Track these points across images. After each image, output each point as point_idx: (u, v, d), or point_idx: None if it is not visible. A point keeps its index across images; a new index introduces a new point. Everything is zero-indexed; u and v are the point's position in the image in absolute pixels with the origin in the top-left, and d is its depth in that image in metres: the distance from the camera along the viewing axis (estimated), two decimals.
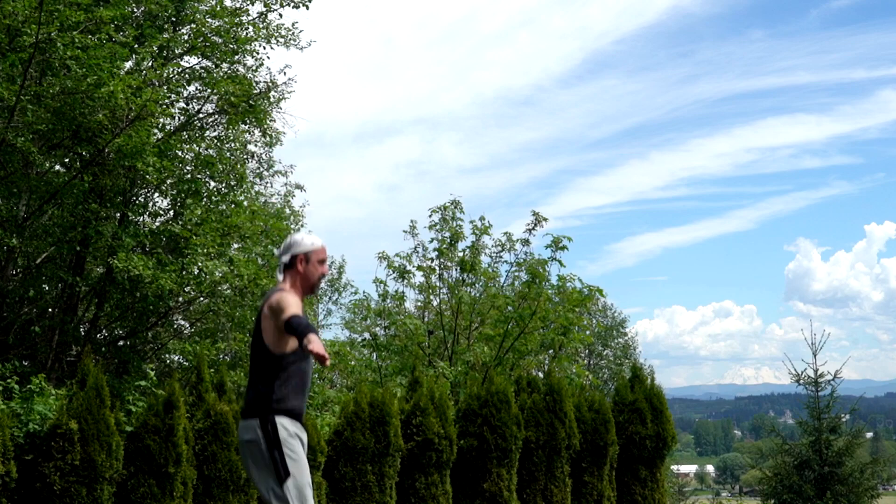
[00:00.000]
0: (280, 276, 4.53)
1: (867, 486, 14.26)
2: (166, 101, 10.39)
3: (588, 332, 18.58)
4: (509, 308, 12.89)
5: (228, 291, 10.95)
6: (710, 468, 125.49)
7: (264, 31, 11.51)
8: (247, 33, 11.37)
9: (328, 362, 3.90)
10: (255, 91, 11.43)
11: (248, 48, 11.50)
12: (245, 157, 13.09)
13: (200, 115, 11.62)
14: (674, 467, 53.45)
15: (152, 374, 8.32)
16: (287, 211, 17.16)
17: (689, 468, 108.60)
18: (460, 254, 13.75)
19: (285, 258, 4.52)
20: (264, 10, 11.57)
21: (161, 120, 10.56)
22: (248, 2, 11.51)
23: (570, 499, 9.15)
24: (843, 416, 15.51)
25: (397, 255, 13.64)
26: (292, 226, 16.86)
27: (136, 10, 10.95)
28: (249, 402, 4.34)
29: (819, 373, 14.91)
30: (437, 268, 13.77)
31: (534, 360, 14.28)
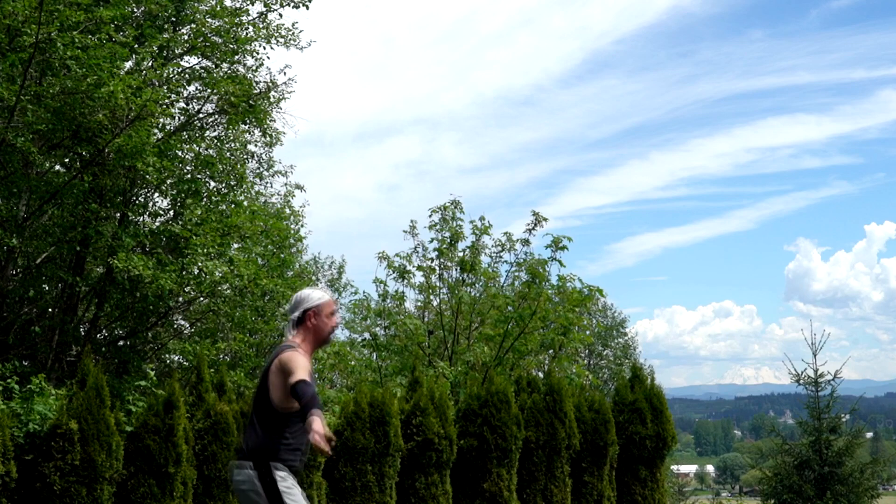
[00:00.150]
0: (290, 333, 4.52)
1: (867, 486, 14.27)
2: (166, 101, 10.39)
3: (588, 332, 18.58)
4: (509, 308, 12.89)
5: (228, 291, 10.95)
6: (710, 468, 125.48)
7: (264, 31, 11.51)
8: (247, 33, 11.36)
9: (327, 453, 3.92)
10: (255, 91, 11.43)
11: (248, 48, 11.49)
12: (245, 157, 13.08)
13: (200, 115, 11.62)
14: (674, 467, 53.45)
15: (152, 374, 8.32)
16: (287, 211, 17.14)
17: (689, 468, 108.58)
18: (460, 254, 13.75)
19: (295, 315, 4.52)
20: (264, 10, 11.57)
21: (161, 120, 10.56)
22: (248, 2, 11.51)
23: (570, 499, 9.15)
24: (843, 416, 15.52)
25: (397, 255, 13.64)
26: (292, 226, 16.85)
27: (136, 10, 10.95)
28: (249, 449, 4.32)
29: (819, 373, 14.92)
30: (437, 268, 13.76)
31: (534, 360, 14.28)
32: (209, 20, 11.06)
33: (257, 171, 14.26)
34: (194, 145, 11.54)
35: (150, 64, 10.41)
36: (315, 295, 4.58)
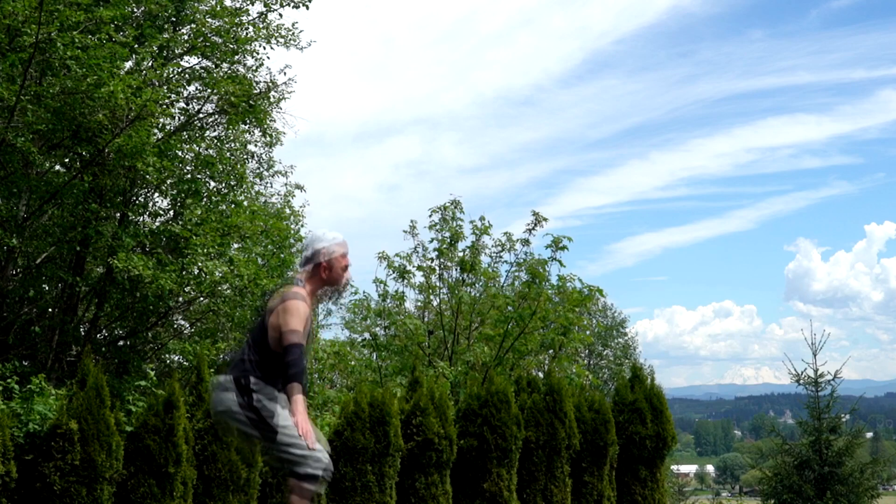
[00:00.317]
0: (300, 275, 4.53)
1: (867, 486, 14.26)
2: (166, 101, 10.39)
3: (588, 332, 18.58)
4: (509, 308, 12.88)
5: (228, 291, 10.95)
6: (710, 468, 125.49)
7: (264, 31, 11.50)
8: (247, 33, 11.36)
9: (307, 440, 4.05)
10: (255, 91, 11.43)
11: (248, 48, 11.49)
12: (245, 157, 13.08)
13: (200, 115, 11.62)
14: (674, 467, 53.44)
15: (152, 374, 8.32)
16: (287, 211, 17.14)
17: (689, 468, 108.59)
18: (460, 254, 13.74)
19: (308, 266, 4.53)
20: (264, 10, 11.56)
21: (161, 120, 10.55)
22: (248, 2, 11.51)
23: (570, 499, 9.15)
24: (843, 416, 15.51)
25: (397, 255, 13.64)
26: (292, 226, 16.84)
27: (136, 10, 10.94)
28: (234, 376, 4.36)
29: (819, 373, 14.92)
30: (437, 268, 13.76)
31: (534, 360, 14.28)
32: (209, 20, 11.06)
33: (257, 171, 14.27)
34: (194, 145, 11.54)
35: (150, 64, 10.41)
36: (331, 247, 4.54)
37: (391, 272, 13.56)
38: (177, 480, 6.79)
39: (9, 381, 7.05)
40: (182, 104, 11.60)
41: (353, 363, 13.80)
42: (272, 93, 11.85)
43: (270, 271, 11.91)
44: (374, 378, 13.08)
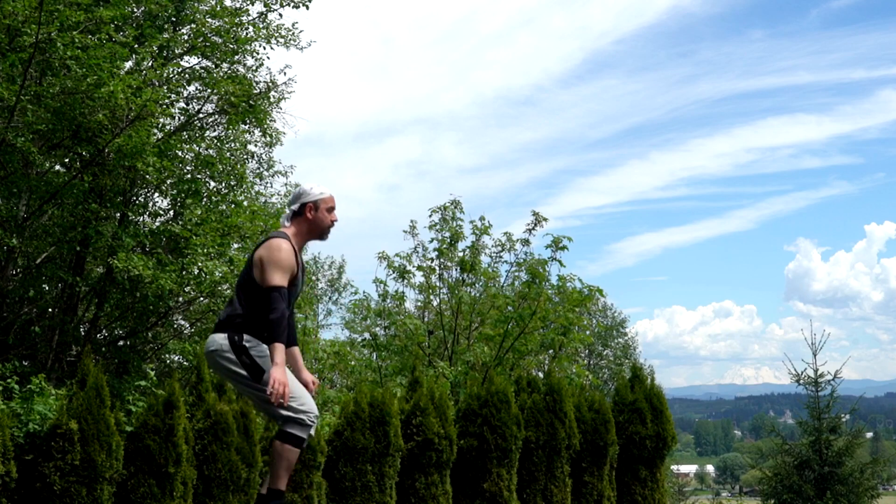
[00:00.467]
0: (286, 222, 4.65)
1: (867, 486, 14.28)
2: (166, 101, 10.39)
3: (588, 332, 18.57)
4: (509, 308, 12.88)
5: (228, 291, 10.94)
6: (710, 468, 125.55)
7: (264, 31, 11.50)
8: (247, 33, 11.36)
9: (275, 398, 4.15)
10: (255, 91, 11.43)
11: (248, 48, 11.49)
12: (245, 157, 13.08)
13: (200, 115, 11.62)
14: (674, 467, 53.46)
15: (152, 374, 8.31)
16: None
17: (689, 468, 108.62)
18: (460, 254, 13.74)
19: (294, 206, 4.65)
20: (264, 10, 11.57)
21: (161, 120, 10.56)
22: (248, 2, 11.51)
23: (570, 499, 9.15)
24: (843, 416, 15.54)
25: (397, 255, 13.63)
26: None
27: (136, 10, 10.95)
28: (223, 319, 4.48)
29: (819, 373, 14.95)
30: (437, 268, 13.76)
31: (534, 360, 14.27)
32: (209, 20, 11.06)
33: (257, 171, 14.28)
34: (194, 145, 11.54)
35: (150, 64, 10.41)
36: (316, 190, 4.68)
37: (391, 272, 13.56)
38: (177, 480, 6.79)
39: (9, 381, 7.04)
40: (182, 104, 11.61)
41: (353, 363, 13.80)
42: (272, 93, 11.86)
43: None
44: (374, 378, 13.08)
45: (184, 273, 10.12)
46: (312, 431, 4.47)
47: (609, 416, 9.57)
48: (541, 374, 13.13)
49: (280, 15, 11.60)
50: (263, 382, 4.34)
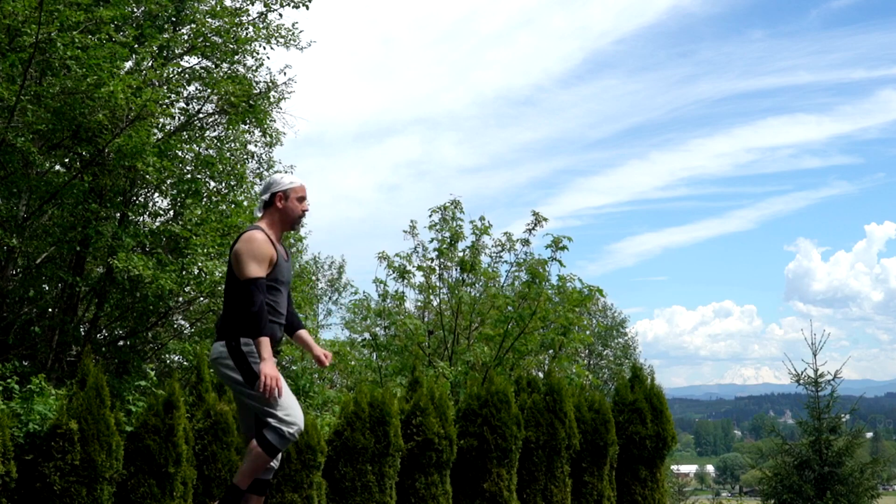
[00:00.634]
0: (259, 214, 4.68)
1: (867, 486, 14.27)
2: (166, 101, 10.39)
3: (588, 332, 18.57)
4: (509, 308, 12.88)
5: None
6: (710, 468, 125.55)
7: (264, 31, 11.51)
8: (247, 33, 11.37)
9: (265, 388, 4.17)
10: (255, 91, 11.44)
11: (248, 48, 11.50)
12: (245, 157, 13.08)
13: (200, 115, 11.62)
14: (674, 467, 53.48)
15: (152, 374, 8.31)
16: None
17: (689, 468, 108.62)
18: (460, 254, 13.74)
19: (265, 196, 4.67)
20: (264, 10, 11.58)
21: (161, 120, 10.56)
22: (248, 2, 11.52)
23: (570, 499, 9.15)
24: (843, 416, 15.53)
25: (397, 255, 13.63)
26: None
27: (136, 10, 10.95)
28: (219, 328, 4.53)
29: (819, 373, 14.93)
30: (437, 268, 13.76)
31: (534, 360, 14.28)
32: (209, 20, 11.07)
33: (257, 171, 14.26)
34: (194, 145, 11.55)
35: (150, 64, 10.41)
36: (286, 179, 4.71)
37: (391, 272, 13.56)
38: (177, 480, 6.79)
39: (9, 381, 7.04)
40: (182, 104, 11.61)
41: (353, 363, 13.80)
42: (272, 93, 11.87)
43: None
44: (374, 378, 13.08)
45: (184, 273, 10.12)
46: (288, 446, 4.48)
47: (609, 416, 9.57)
48: (541, 374, 13.13)
49: (280, 15, 11.62)
50: (256, 386, 4.36)
